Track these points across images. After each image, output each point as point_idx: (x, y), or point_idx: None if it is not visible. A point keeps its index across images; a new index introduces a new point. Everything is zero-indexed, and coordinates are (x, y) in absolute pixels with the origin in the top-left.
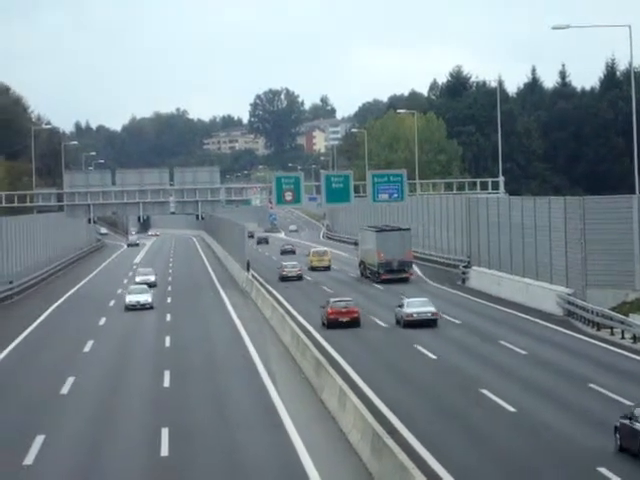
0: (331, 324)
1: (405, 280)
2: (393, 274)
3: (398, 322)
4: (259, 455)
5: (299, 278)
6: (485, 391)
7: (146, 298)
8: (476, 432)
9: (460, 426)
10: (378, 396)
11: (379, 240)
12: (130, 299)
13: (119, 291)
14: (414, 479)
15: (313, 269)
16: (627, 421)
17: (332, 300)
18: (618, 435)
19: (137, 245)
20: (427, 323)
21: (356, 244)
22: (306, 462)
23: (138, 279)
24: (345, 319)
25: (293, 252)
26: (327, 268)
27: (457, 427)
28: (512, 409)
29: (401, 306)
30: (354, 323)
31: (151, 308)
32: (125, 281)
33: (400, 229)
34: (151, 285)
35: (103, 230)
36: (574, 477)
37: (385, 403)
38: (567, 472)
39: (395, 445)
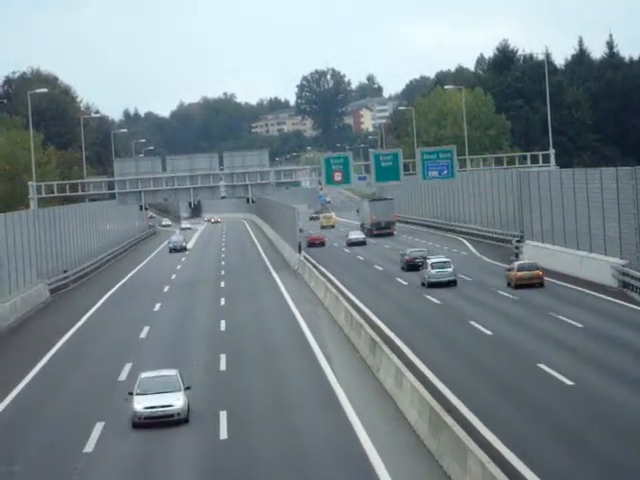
0: (310, 245)
1: (390, 235)
2: (381, 230)
3: (347, 244)
4: (318, 436)
5: (300, 230)
6: (542, 365)
7: None
8: (533, 405)
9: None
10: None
11: (371, 207)
12: None
13: (173, 276)
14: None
15: (323, 227)
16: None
17: (311, 232)
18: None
19: (184, 249)
20: (360, 244)
21: (357, 211)
22: (364, 441)
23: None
24: (317, 242)
25: (318, 218)
26: (332, 227)
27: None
28: (570, 382)
29: (347, 235)
30: (322, 244)
31: None
32: (178, 267)
33: (386, 199)
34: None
35: (165, 221)
36: (635, 448)
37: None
38: (628, 443)
39: (452, 420)
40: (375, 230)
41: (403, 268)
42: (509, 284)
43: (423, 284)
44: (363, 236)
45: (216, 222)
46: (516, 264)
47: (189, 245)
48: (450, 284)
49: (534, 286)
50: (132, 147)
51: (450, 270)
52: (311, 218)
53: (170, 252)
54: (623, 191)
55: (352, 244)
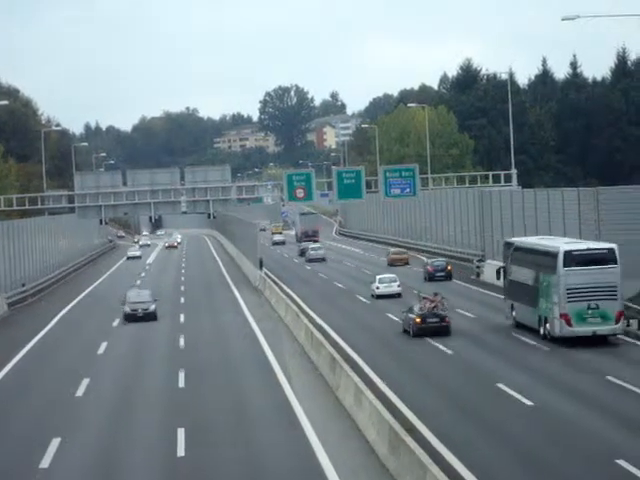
0: None
1: (316, 241)
2: (308, 237)
3: (272, 243)
4: (276, 454)
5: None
6: (501, 385)
7: None
8: (490, 424)
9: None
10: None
11: (301, 220)
12: None
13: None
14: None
15: (273, 233)
16: (298, 247)
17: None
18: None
19: (153, 317)
20: (281, 243)
21: (292, 223)
22: (323, 459)
23: None
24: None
25: (264, 230)
26: (280, 233)
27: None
28: (529, 402)
29: (272, 238)
30: None
31: None
32: (138, 282)
33: (313, 214)
34: None
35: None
36: (592, 470)
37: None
38: (586, 467)
39: (412, 441)
40: (304, 238)
41: (300, 255)
42: (388, 264)
43: (306, 260)
44: (283, 238)
45: (171, 246)
46: (391, 250)
47: (148, 261)
48: (321, 260)
49: (403, 265)
50: (93, 161)
51: (322, 252)
52: (260, 229)
53: (127, 320)
54: (585, 212)
55: (275, 244)
